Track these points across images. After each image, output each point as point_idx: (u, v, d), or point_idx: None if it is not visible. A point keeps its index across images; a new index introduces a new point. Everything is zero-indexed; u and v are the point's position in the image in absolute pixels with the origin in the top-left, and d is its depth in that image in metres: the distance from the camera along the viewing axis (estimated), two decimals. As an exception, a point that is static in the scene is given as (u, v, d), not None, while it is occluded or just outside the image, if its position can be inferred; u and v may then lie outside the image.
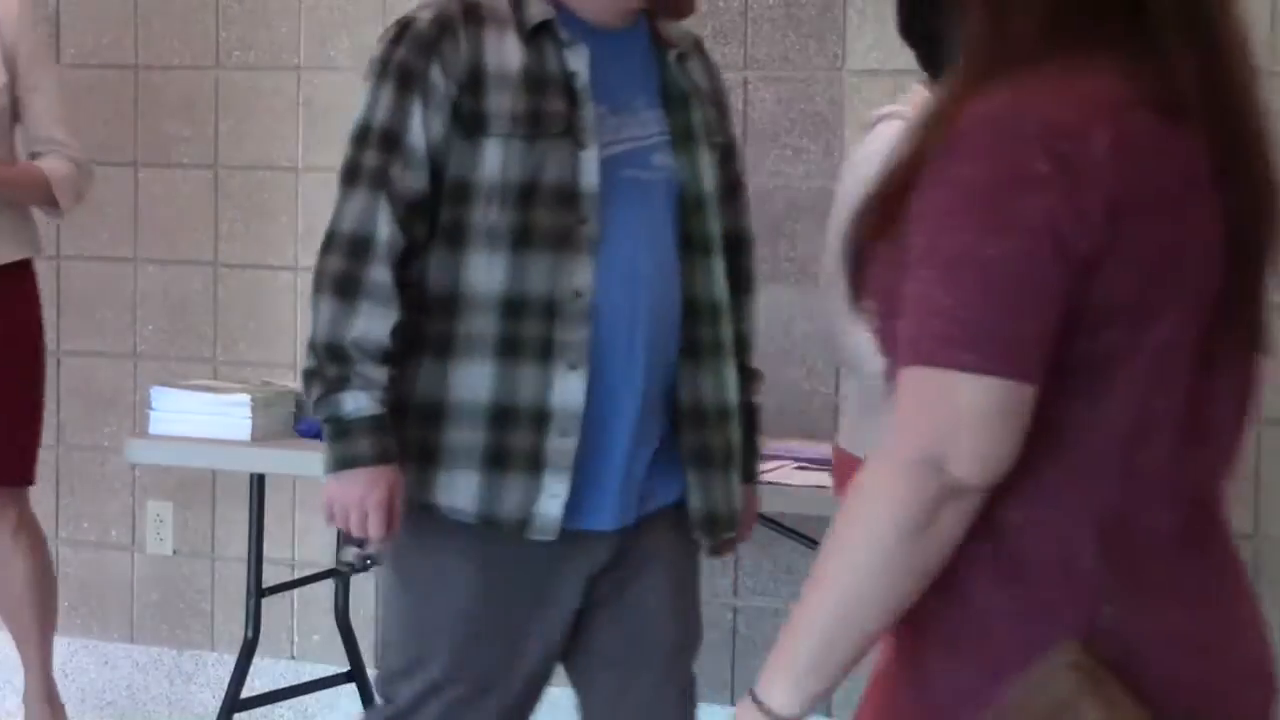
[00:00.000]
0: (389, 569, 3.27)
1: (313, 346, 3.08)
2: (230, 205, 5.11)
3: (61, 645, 4.86)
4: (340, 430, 3.06)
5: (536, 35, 3.10)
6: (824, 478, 3.96)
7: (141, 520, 5.18)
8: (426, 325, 3.09)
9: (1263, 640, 2.00)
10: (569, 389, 3.05)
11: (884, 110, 3.57)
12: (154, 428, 4.41)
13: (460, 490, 3.08)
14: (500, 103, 3.05)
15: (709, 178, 3.22)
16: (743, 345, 3.41)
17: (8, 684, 5.18)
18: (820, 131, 4.59)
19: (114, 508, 5.18)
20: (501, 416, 3.06)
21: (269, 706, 4.83)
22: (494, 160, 3.05)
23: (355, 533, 3.09)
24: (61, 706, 4.72)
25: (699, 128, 3.22)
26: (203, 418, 4.37)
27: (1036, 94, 1.85)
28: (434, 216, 3.08)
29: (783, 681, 1.91)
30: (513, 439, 3.06)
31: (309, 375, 3.09)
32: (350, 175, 3.14)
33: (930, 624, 1.91)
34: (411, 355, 3.09)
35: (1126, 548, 1.89)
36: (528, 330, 3.04)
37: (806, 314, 4.55)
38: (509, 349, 3.06)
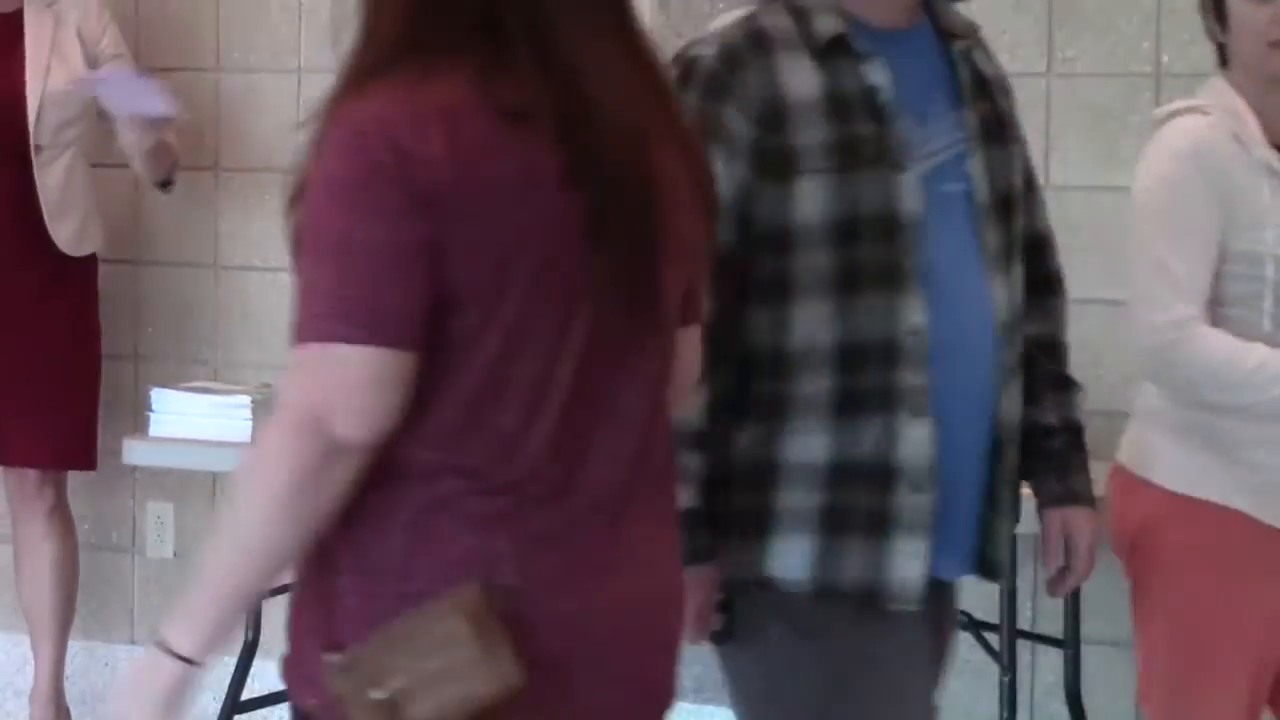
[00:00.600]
0: (725, 656, 2.87)
1: None
2: (230, 207, 5.13)
3: (62, 646, 4.87)
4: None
5: (829, 53, 2.75)
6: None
7: (142, 522, 5.20)
8: (751, 387, 2.75)
9: (656, 600, 2.26)
10: (916, 438, 2.72)
11: (1175, 105, 3.57)
12: (154, 429, 4.43)
13: (794, 557, 2.73)
14: (807, 136, 2.71)
15: (1018, 176, 2.95)
16: (1060, 353, 3.17)
17: (9, 686, 5.19)
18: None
19: (114, 509, 5.19)
20: (841, 475, 2.73)
21: (269, 709, 4.84)
22: (809, 200, 2.71)
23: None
24: (67, 710, 4.74)
25: (1006, 121, 2.94)
26: (203, 419, 4.39)
27: (391, 97, 2.09)
28: (744, 272, 2.72)
29: (182, 624, 2.19)
30: (855, 498, 2.73)
31: None
32: None
33: (342, 559, 2.17)
34: (735, 421, 2.76)
35: (509, 503, 2.13)
36: (866, 379, 2.71)
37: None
38: (847, 402, 2.72)
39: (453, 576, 2.11)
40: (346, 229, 2.09)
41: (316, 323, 2.11)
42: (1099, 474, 4.18)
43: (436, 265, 2.09)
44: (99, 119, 4.59)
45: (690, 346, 2.39)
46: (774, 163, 2.70)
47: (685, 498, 2.55)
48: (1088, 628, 4.37)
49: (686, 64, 2.78)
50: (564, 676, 2.15)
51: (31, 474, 4.64)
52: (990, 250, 2.83)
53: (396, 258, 2.09)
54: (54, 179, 4.48)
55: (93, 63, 4.58)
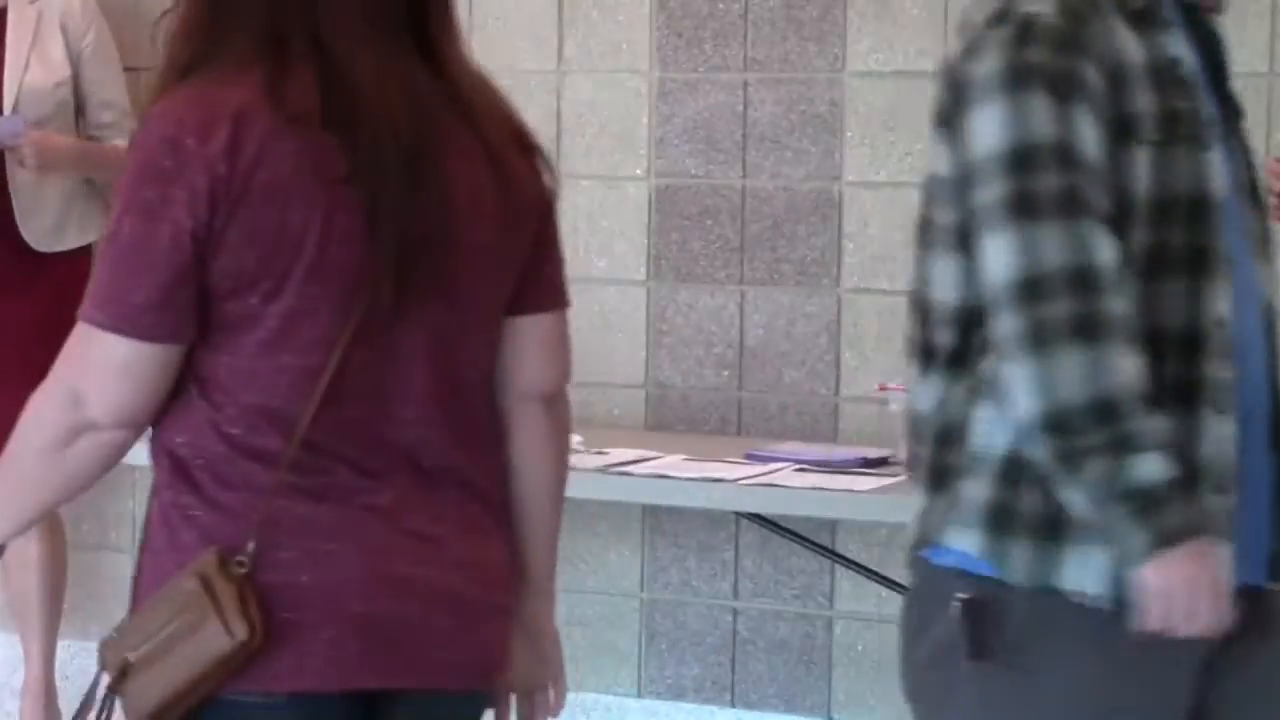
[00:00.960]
0: (993, 666, 2.61)
1: (1056, 415, 2.44)
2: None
3: (61, 647, 4.89)
4: (1147, 503, 2.43)
5: (1139, 20, 2.60)
6: (824, 479, 3.96)
7: (141, 522, 5.19)
8: None
9: (421, 571, 2.37)
10: (1220, 436, 2.55)
11: None
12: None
13: (1090, 569, 2.52)
14: (1142, 103, 2.55)
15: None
16: None
17: (4, 685, 5.19)
18: (820, 133, 4.60)
19: (113, 510, 5.18)
20: None
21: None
22: (1140, 173, 2.55)
23: (1183, 629, 2.48)
24: (58, 712, 4.73)
25: (1237, 101, 2.76)
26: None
27: (185, 99, 2.27)
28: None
29: None
30: None
31: (1064, 453, 2.46)
32: (1024, 208, 2.50)
33: (147, 537, 2.39)
34: None
35: (267, 480, 2.30)
36: (1165, 371, 2.53)
37: (807, 315, 4.56)
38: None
39: (203, 548, 2.31)
40: (120, 222, 2.27)
41: (88, 306, 2.29)
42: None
43: (214, 256, 2.26)
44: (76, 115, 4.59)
45: (538, 335, 2.51)
46: (1118, 128, 2.54)
47: (1169, 464, 2.43)
48: None
49: (1020, 22, 2.54)
50: (299, 638, 2.31)
51: None
52: (1252, 234, 2.67)
53: (150, 252, 2.26)
54: (25, 176, 4.45)
55: (75, 59, 4.57)
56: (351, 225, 2.29)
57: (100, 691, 2.42)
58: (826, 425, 4.58)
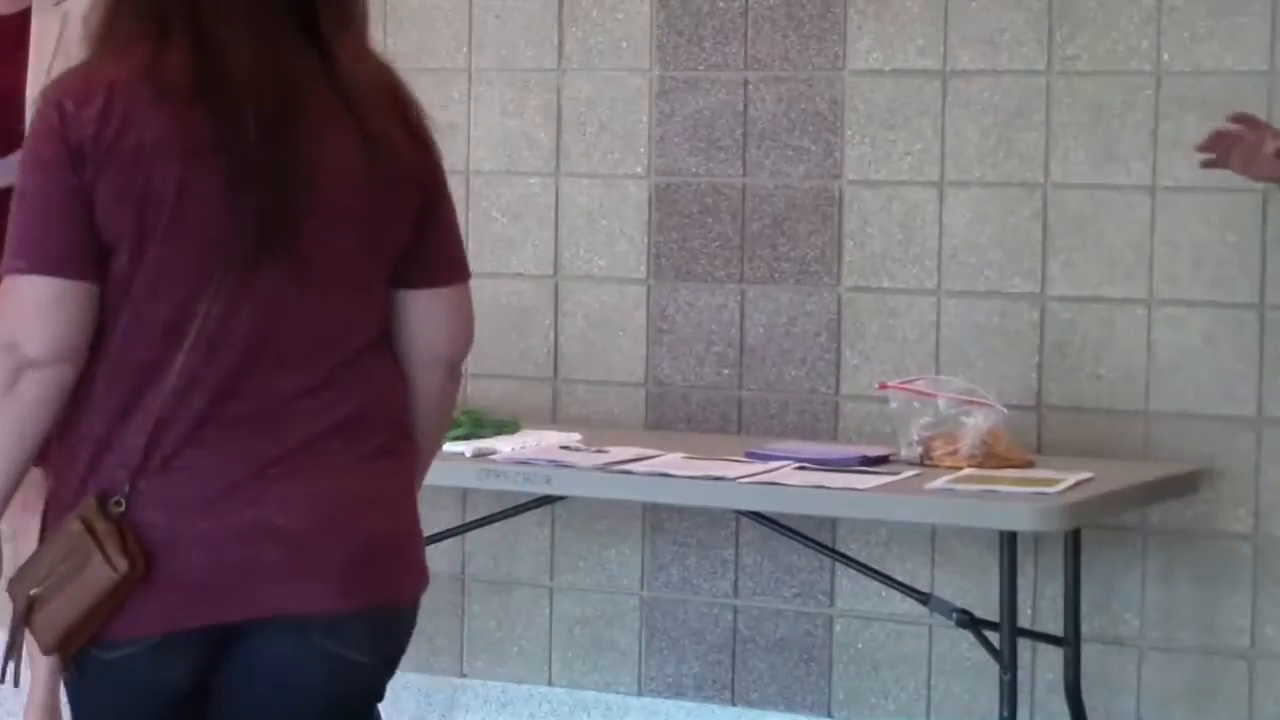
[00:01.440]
0: None
1: None
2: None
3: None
4: None
5: None
6: (824, 478, 3.97)
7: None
8: None
9: (247, 510, 2.62)
10: None
11: None
12: (154, 428, 4.42)
13: None
14: None
15: None
16: None
17: (7, 683, 5.19)
18: (821, 132, 4.62)
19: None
20: None
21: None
22: None
23: None
24: None
25: None
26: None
27: (75, 73, 2.62)
28: None
29: None
30: None
31: None
32: None
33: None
34: None
35: (141, 428, 2.60)
36: None
37: (807, 313, 4.57)
38: None
39: (85, 495, 2.64)
40: (24, 181, 2.59)
41: (9, 258, 2.57)
42: (1104, 470, 4.20)
43: (89, 210, 2.57)
44: None
45: (433, 308, 2.74)
46: None
47: None
48: (1087, 626, 4.40)
49: None
50: (154, 566, 2.60)
51: (34, 476, 4.62)
52: None
53: (53, 202, 2.57)
54: None
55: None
56: (210, 188, 2.56)
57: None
58: (826, 423, 4.60)
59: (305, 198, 2.61)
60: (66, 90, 2.60)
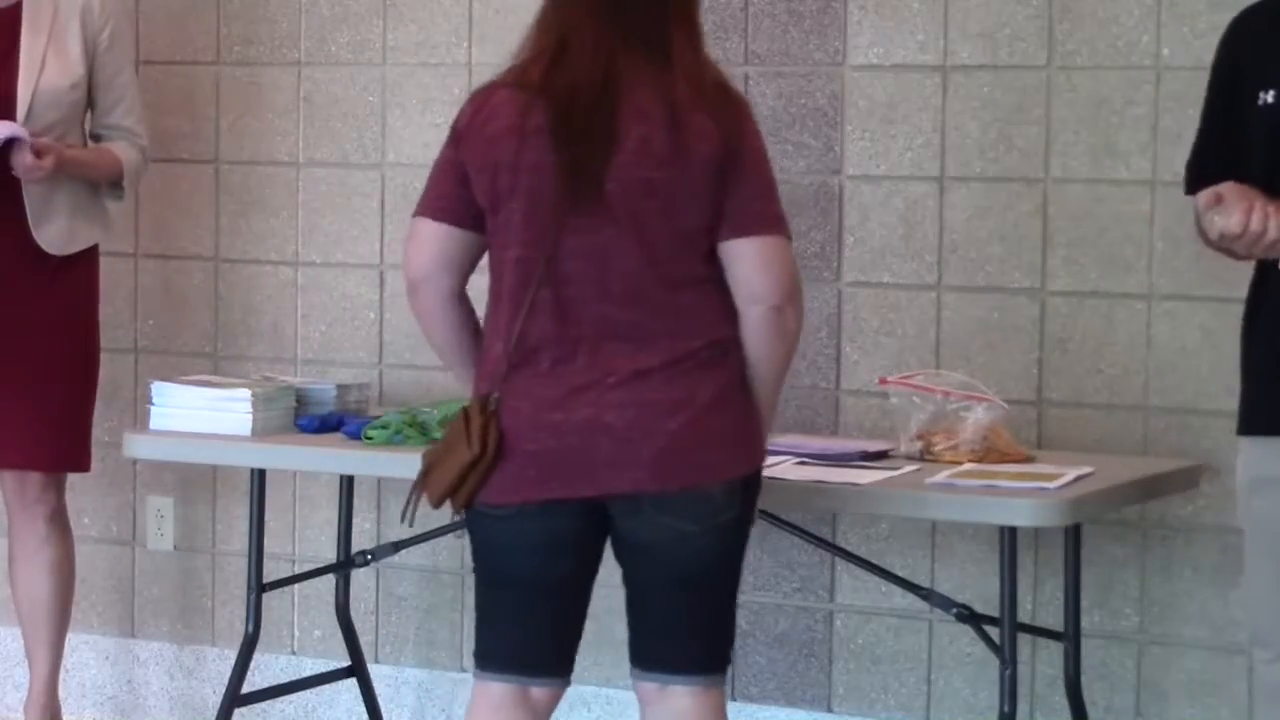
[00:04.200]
0: None
1: None
2: (231, 200, 5.14)
3: (61, 640, 4.87)
4: None
5: None
6: (825, 472, 3.97)
7: (142, 515, 5.21)
8: None
9: (594, 419, 3.42)
10: None
11: None
12: (154, 423, 4.43)
13: None
14: None
15: None
16: None
17: (7, 679, 5.21)
18: (821, 127, 4.62)
19: (114, 503, 5.20)
20: None
21: (269, 702, 4.85)
22: None
23: None
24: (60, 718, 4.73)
25: None
26: (203, 413, 4.39)
27: (488, 82, 3.54)
28: None
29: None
30: None
31: None
32: None
33: None
34: None
35: (521, 341, 3.43)
36: None
37: (807, 308, 4.55)
38: None
39: (477, 393, 3.49)
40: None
41: (417, 206, 3.57)
42: (1104, 465, 4.20)
43: (465, 177, 3.48)
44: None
45: (744, 255, 3.45)
46: None
47: None
48: (1087, 621, 4.40)
49: None
50: (514, 447, 3.45)
51: (33, 477, 4.62)
52: None
53: (440, 169, 3.54)
54: (37, 184, 4.43)
55: (91, 53, 4.54)
56: (538, 160, 3.40)
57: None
58: (826, 418, 4.60)
59: (606, 167, 3.38)
60: (474, 94, 3.54)
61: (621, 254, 3.42)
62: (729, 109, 3.47)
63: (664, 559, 3.52)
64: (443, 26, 4.95)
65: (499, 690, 3.57)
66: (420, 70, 4.97)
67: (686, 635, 3.57)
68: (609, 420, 3.42)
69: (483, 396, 3.46)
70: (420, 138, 4.94)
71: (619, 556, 3.55)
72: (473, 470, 3.44)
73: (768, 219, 3.46)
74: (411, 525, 3.60)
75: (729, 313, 3.47)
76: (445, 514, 4.76)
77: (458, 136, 3.50)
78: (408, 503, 3.54)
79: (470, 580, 4.92)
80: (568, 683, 3.62)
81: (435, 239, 3.51)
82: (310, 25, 5.04)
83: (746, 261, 3.44)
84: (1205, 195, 3.54)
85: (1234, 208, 3.42)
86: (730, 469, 3.49)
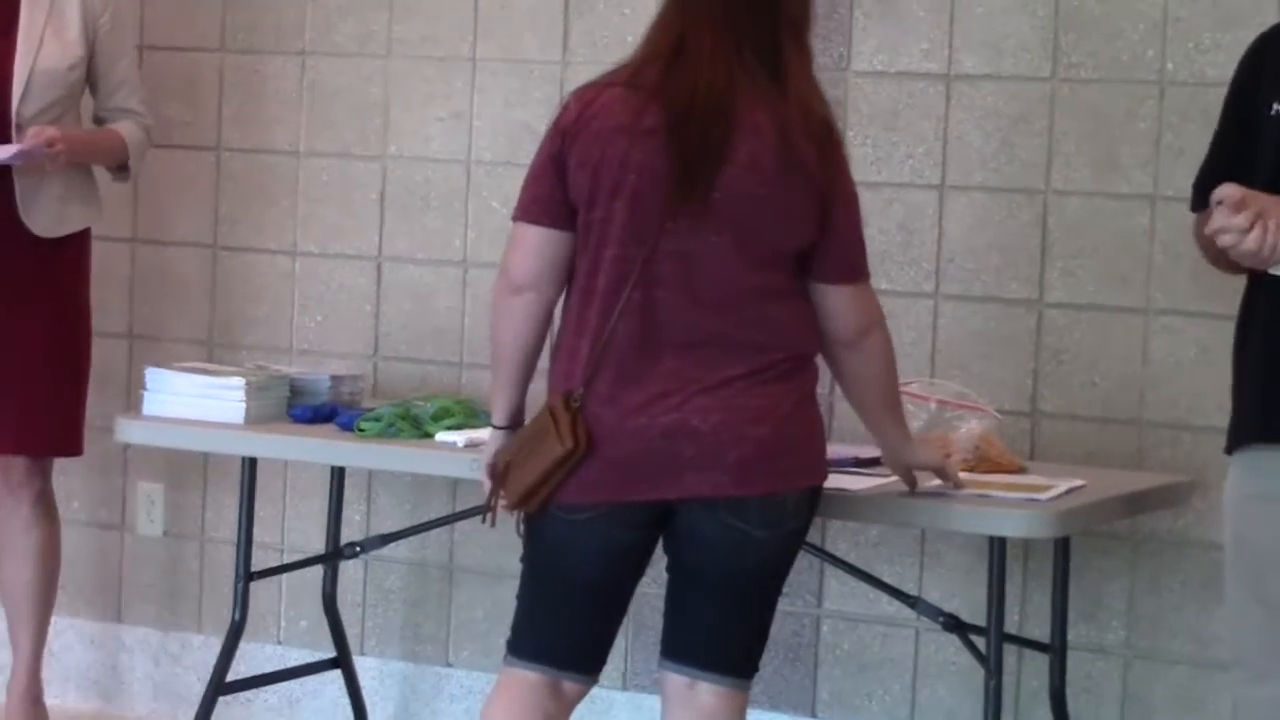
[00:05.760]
0: None
1: None
2: (231, 188, 5.16)
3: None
4: None
5: None
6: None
7: (132, 501, 5.21)
8: None
9: (680, 423, 3.45)
10: None
11: None
12: (147, 408, 4.44)
13: None
14: None
15: None
16: None
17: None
18: (823, 131, 4.60)
19: (104, 487, 5.21)
20: None
21: (253, 691, 4.86)
22: None
23: None
24: (44, 708, 4.73)
25: None
26: (196, 400, 4.39)
27: (595, 80, 3.54)
28: None
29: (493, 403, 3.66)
30: None
31: None
32: None
33: None
34: None
35: (610, 344, 3.44)
36: None
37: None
38: None
39: (556, 392, 3.48)
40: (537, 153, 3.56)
41: (517, 209, 3.55)
42: (1096, 478, 4.20)
43: (563, 175, 3.47)
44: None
45: (828, 300, 3.56)
46: None
47: None
48: (1074, 634, 4.40)
49: None
50: (599, 449, 3.45)
51: (19, 461, 4.62)
52: None
53: (544, 169, 3.51)
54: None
55: (91, 36, 4.53)
56: (645, 161, 3.43)
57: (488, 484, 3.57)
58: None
59: (715, 176, 3.43)
60: (580, 90, 3.54)
61: (716, 263, 3.47)
62: (831, 146, 3.56)
63: (724, 558, 3.56)
64: (448, 20, 4.96)
65: (532, 679, 3.60)
66: (424, 64, 4.98)
67: (726, 634, 3.62)
68: (694, 424, 3.46)
69: (566, 393, 3.47)
70: (422, 131, 4.95)
71: (674, 550, 3.60)
72: (561, 466, 3.44)
73: (853, 267, 3.58)
74: (494, 526, 3.61)
75: (810, 328, 3.57)
76: (437, 506, 4.80)
77: (562, 132, 3.50)
78: (486, 503, 3.56)
79: (458, 573, 4.96)
80: (596, 680, 3.66)
81: (540, 244, 3.50)
82: (315, 15, 5.05)
83: (830, 305, 3.57)
84: (1217, 197, 3.52)
85: (1240, 216, 3.42)
86: (804, 479, 3.58)
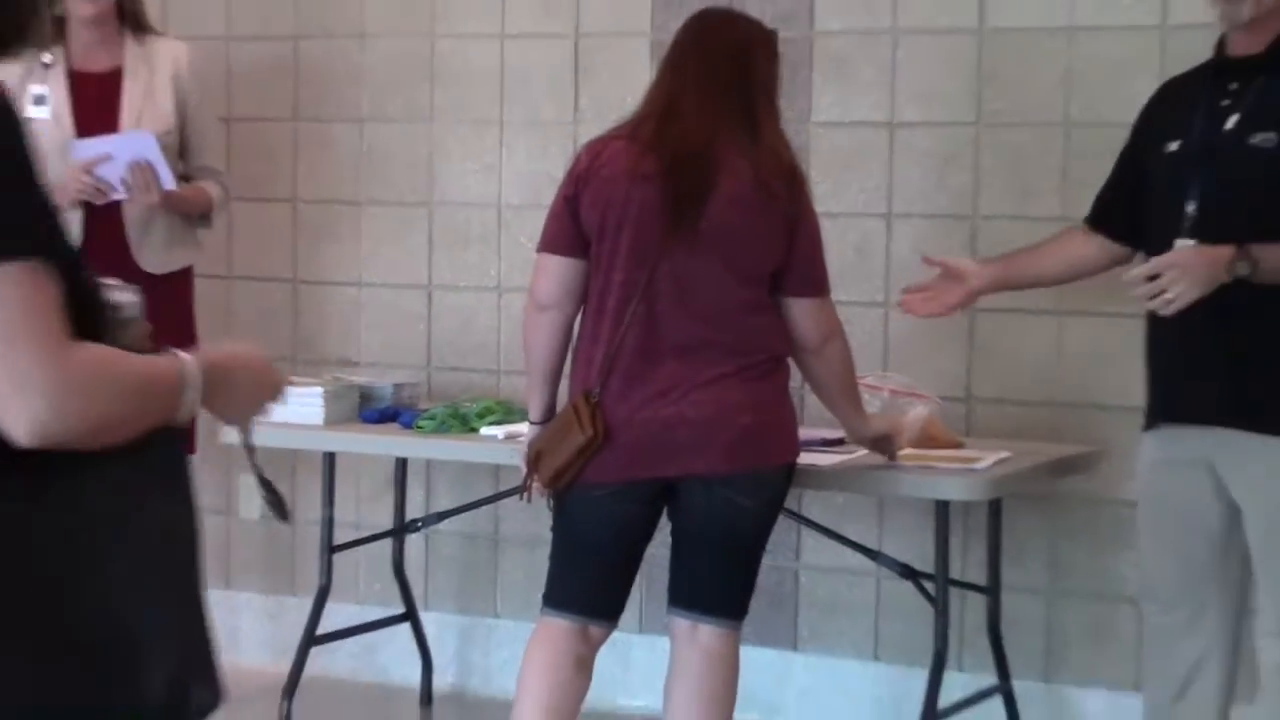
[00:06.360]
0: None
1: None
2: (306, 232, 5.15)
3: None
4: None
5: None
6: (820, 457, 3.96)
7: (236, 490, 5.22)
8: None
9: (679, 415, 3.45)
10: None
11: None
12: (244, 415, 4.41)
13: None
14: None
15: None
16: None
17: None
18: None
19: (213, 480, 5.19)
20: None
21: (339, 642, 4.87)
22: None
23: None
24: None
25: None
26: (284, 406, 4.37)
27: (603, 135, 3.58)
28: None
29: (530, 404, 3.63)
30: None
31: None
32: None
33: None
34: None
35: (620, 351, 3.44)
36: None
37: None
38: None
39: (577, 391, 3.48)
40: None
41: (540, 242, 3.55)
42: (1021, 450, 4.20)
43: (577, 213, 3.46)
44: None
45: (794, 311, 3.54)
46: None
47: None
48: (1006, 577, 4.38)
49: None
50: (613, 437, 3.44)
51: None
52: None
53: (561, 209, 3.52)
54: (136, 210, 4.40)
55: (182, 111, 4.52)
56: (645, 199, 3.43)
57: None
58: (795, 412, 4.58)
59: (700, 209, 3.43)
60: (590, 144, 3.57)
61: (705, 281, 3.46)
62: (796, 184, 3.54)
63: (719, 524, 3.54)
64: (480, 91, 4.94)
65: (565, 625, 3.60)
66: (461, 127, 4.97)
67: (720, 585, 3.62)
68: (690, 415, 3.44)
69: (586, 392, 3.46)
70: (461, 181, 4.93)
71: (676, 518, 3.58)
72: (583, 453, 3.44)
73: (814, 283, 3.57)
74: (529, 503, 3.63)
75: (783, 335, 3.55)
76: (482, 488, 4.82)
77: (576, 178, 3.51)
78: (524, 483, 3.55)
79: (502, 544, 4.96)
80: (616, 625, 3.66)
81: (560, 271, 3.50)
82: (371, 90, 5.06)
83: (796, 315, 3.55)
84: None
85: (1151, 271, 3.44)
86: (782, 456, 3.57)
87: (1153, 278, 3.40)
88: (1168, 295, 3.38)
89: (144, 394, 1.78)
